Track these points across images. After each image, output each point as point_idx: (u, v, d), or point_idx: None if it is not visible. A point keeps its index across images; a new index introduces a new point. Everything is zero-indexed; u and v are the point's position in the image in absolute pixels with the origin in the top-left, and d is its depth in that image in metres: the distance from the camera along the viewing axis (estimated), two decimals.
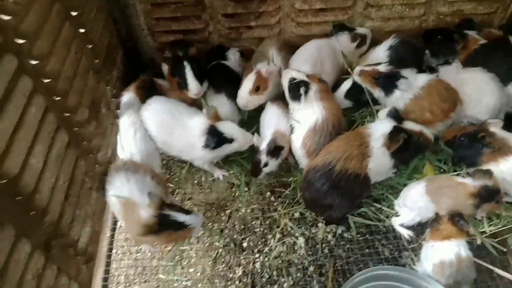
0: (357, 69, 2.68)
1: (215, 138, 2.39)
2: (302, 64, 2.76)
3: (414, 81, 2.59)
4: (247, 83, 2.68)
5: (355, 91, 2.82)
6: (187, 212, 2.08)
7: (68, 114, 2.05)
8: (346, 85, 2.86)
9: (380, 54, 2.90)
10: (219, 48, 3.14)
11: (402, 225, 2.40)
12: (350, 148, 2.28)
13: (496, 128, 2.39)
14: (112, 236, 2.50)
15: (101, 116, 2.51)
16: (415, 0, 3.00)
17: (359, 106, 2.93)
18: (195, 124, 2.46)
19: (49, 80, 1.89)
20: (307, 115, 2.52)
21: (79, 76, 2.22)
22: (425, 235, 2.23)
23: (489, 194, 2.13)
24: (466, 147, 2.43)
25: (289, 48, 2.98)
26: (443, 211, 2.14)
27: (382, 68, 2.63)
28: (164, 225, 2.00)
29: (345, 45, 2.99)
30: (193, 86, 2.67)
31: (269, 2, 2.98)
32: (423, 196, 2.24)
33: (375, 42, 3.05)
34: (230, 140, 2.44)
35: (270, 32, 3.17)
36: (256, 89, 2.68)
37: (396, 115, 2.42)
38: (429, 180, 2.30)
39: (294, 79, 2.52)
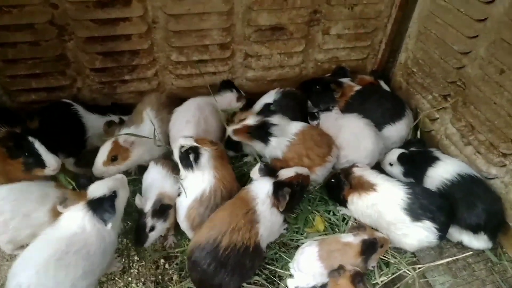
0: (230, 130, 2.58)
1: (105, 205, 2.01)
2: (184, 126, 2.57)
3: (288, 128, 2.59)
4: (102, 153, 2.48)
5: (232, 142, 2.73)
6: None
7: None
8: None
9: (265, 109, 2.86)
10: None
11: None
12: (235, 218, 2.10)
13: (360, 168, 2.47)
14: None
15: None
16: (292, 49, 3.04)
17: (241, 154, 2.88)
18: (76, 223, 1.98)
19: None
20: (196, 184, 2.32)
21: None
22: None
23: (369, 247, 2.13)
24: (334, 188, 2.53)
25: (172, 106, 2.74)
26: None
27: (251, 121, 2.57)
28: None
29: (230, 103, 2.90)
30: (52, 161, 2.30)
31: (143, 55, 2.79)
32: (316, 262, 2.15)
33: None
34: (115, 195, 2.09)
35: (148, 86, 2.97)
36: (113, 158, 2.48)
37: (268, 169, 2.35)
38: (320, 244, 2.21)
39: (183, 146, 2.32)
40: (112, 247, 2.12)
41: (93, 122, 2.71)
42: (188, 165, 2.30)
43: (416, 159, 2.56)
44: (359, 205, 2.40)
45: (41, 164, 2.30)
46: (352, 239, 2.18)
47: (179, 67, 2.93)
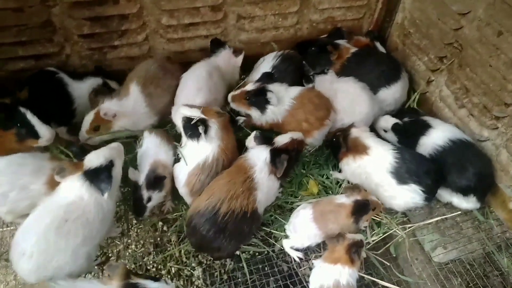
0: (229, 96, 2.57)
1: (102, 176, 2.02)
2: (196, 93, 2.53)
3: (287, 93, 2.58)
4: (85, 122, 2.50)
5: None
6: (156, 279, 1.81)
7: None
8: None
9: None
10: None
11: (292, 248, 2.34)
12: (234, 186, 2.15)
13: (358, 130, 2.47)
14: None
15: None
16: (287, 9, 2.94)
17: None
18: (74, 192, 2.01)
19: None
20: (198, 151, 2.32)
21: None
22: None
23: (360, 208, 2.20)
24: (333, 146, 2.57)
25: (165, 77, 2.67)
26: (332, 234, 2.16)
27: (249, 87, 2.56)
28: None
29: (229, 60, 2.82)
30: (45, 131, 2.30)
31: (132, 19, 2.70)
32: (310, 224, 2.22)
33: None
34: (112, 164, 2.11)
35: (139, 51, 2.90)
36: (95, 128, 2.49)
37: (263, 138, 2.36)
38: (314, 206, 2.27)
39: (188, 118, 2.29)
40: (110, 215, 2.17)
41: (79, 89, 2.66)
42: (195, 135, 2.28)
43: (409, 129, 2.58)
44: (351, 166, 2.45)
45: (35, 134, 2.30)
46: (345, 200, 2.24)
47: (170, 30, 2.85)
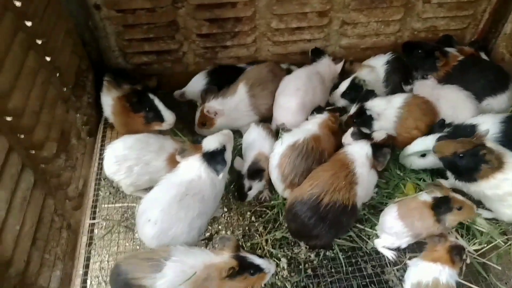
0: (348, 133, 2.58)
1: (218, 158, 2.24)
2: (294, 93, 2.71)
3: (390, 104, 2.63)
4: (196, 118, 2.80)
5: (352, 92, 2.88)
6: (260, 256, 2.00)
7: (34, 152, 1.91)
8: (343, 85, 2.91)
9: (378, 67, 2.98)
10: None
11: (384, 247, 2.37)
12: (337, 179, 2.23)
13: (492, 143, 2.28)
14: (86, 273, 2.32)
15: (70, 147, 2.37)
16: (390, 17, 3.02)
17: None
18: (193, 171, 2.23)
19: (12, 117, 1.75)
20: (293, 135, 2.47)
21: (46, 108, 2.08)
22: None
23: (440, 205, 2.16)
24: (465, 164, 2.26)
25: (272, 81, 2.88)
26: (420, 234, 2.20)
27: (352, 111, 2.72)
28: (243, 267, 1.92)
29: (329, 68, 2.98)
30: (169, 116, 2.60)
31: (245, 22, 2.93)
32: (396, 222, 2.24)
33: None
34: (225, 149, 2.32)
35: (246, 52, 3.13)
36: (202, 123, 2.74)
37: (362, 133, 2.43)
38: (400, 204, 2.30)
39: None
40: (220, 194, 2.38)
41: None
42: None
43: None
44: (482, 186, 2.27)
45: (160, 118, 2.59)
46: (426, 197, 2.22)
47: (277, 34, 3.04)
